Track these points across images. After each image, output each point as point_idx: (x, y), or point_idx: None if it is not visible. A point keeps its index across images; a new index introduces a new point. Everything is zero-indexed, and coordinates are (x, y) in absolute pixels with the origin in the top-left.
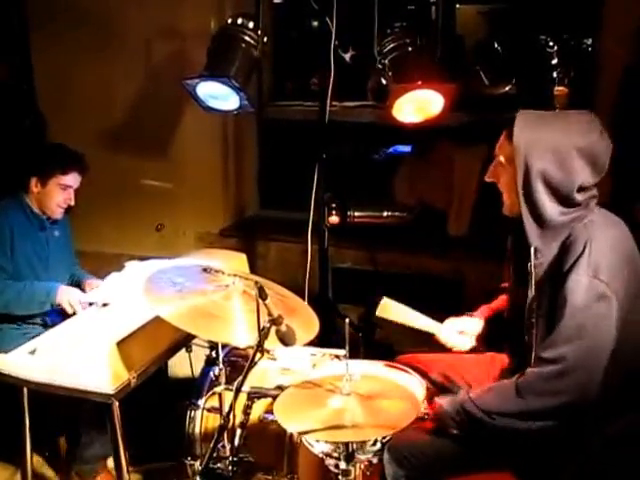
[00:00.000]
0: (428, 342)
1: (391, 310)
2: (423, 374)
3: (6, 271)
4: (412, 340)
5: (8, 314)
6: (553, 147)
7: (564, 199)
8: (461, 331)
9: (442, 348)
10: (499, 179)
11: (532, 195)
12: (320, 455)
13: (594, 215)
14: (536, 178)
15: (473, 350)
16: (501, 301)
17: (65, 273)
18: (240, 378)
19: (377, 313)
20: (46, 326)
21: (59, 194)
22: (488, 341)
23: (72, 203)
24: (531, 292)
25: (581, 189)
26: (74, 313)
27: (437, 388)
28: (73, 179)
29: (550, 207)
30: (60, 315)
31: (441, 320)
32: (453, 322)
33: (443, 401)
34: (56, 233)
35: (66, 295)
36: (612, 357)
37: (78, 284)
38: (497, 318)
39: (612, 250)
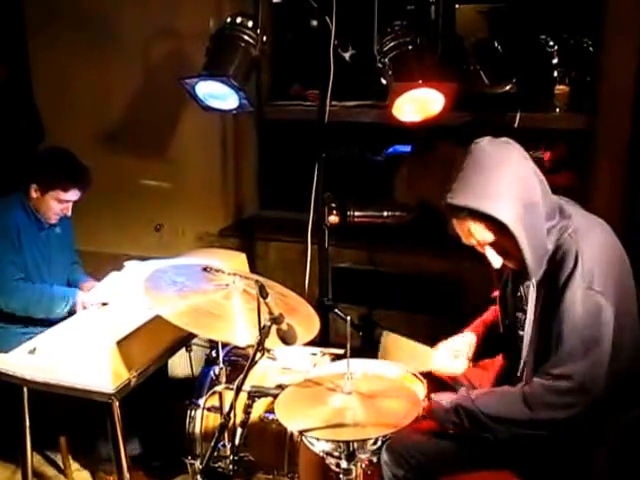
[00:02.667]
0: (425, 339)
1: (392, 343)
2: (426, 372)
3: (19, 267)
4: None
5: (14, 315)
6: (513, 185)
7: (549, 211)
8: (455, 353)
9: None
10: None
11: (534, 229)
12: (321, 454)
13: (575, 221)
14: (530, 215)
15: None
16: (494, 312)
17: (65, 271)
18: (241, 377)
19: (379, 355)
20: (50, 325)
21: (56, 206)
22: (482, 355)
23: (69, 214)
24: (524, 307)
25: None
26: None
27: (439, 386)
28: (72, 195)
29: (544, 232)
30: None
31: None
32: (445, 346)
33: (441, 398)
34: (58, 230)
35: (83, 300)
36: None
37: (75, 285)
38: (491, 331)
39: (601, 255)
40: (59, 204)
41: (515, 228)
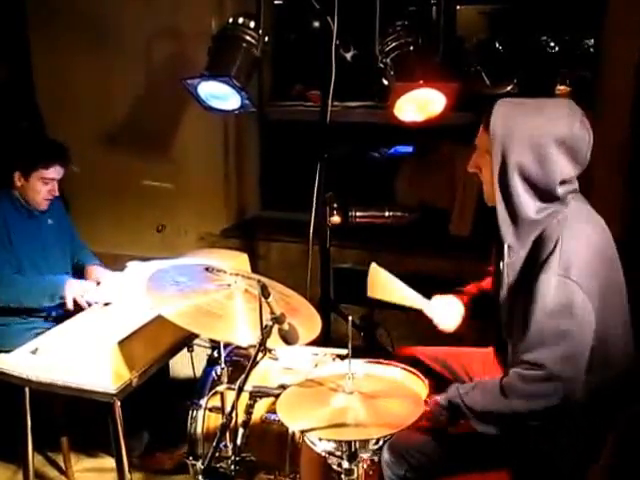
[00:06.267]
0: (428, 338)
1: (380, 278)
2: (424, 367)
3: (11, 264)
4: (411, 340)
5: (14, 308)
6: (530, 138)
7: (543, 194)
8: (448, 309)
9: (442, 342)
10: (480, 169)
11: (508, 188)
12: (322, 454)
13: (568, 210)
14: (513, 171)
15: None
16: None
17: (66, 260)
18: (242, 377)
19: (369, 293)
20: (53, 319)
21: (42, 187)
22: (473, 317)
23: (56, 194)
24: (503, 292)
25: (562, 182)
26: (76, 310)
27: (439, 381)
28: (55, 172)
29: (526, 203)
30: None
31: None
32: (440, 299)
33: (439, 397)
34: (50, 221)
35: (72, 290)
36: (591, 353)
37: (82, 269)
38: (483, 296)
39: (585, 246)
40: (44, 185)
41: (496, 151)
